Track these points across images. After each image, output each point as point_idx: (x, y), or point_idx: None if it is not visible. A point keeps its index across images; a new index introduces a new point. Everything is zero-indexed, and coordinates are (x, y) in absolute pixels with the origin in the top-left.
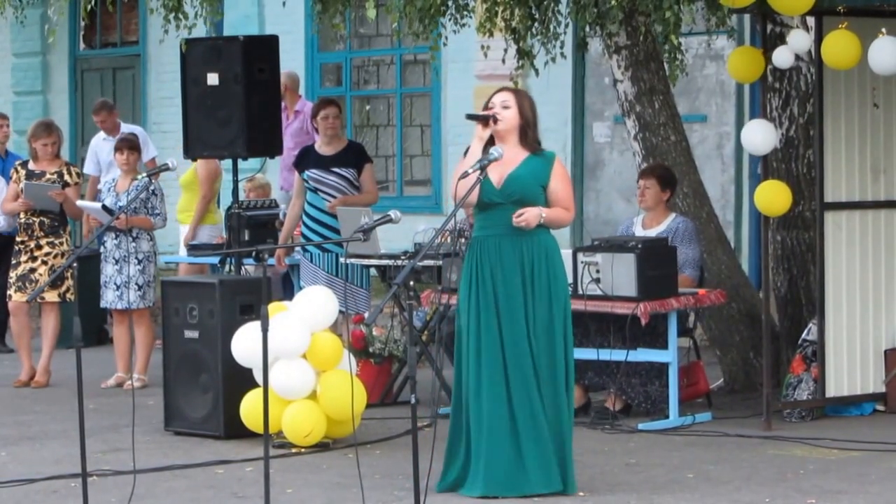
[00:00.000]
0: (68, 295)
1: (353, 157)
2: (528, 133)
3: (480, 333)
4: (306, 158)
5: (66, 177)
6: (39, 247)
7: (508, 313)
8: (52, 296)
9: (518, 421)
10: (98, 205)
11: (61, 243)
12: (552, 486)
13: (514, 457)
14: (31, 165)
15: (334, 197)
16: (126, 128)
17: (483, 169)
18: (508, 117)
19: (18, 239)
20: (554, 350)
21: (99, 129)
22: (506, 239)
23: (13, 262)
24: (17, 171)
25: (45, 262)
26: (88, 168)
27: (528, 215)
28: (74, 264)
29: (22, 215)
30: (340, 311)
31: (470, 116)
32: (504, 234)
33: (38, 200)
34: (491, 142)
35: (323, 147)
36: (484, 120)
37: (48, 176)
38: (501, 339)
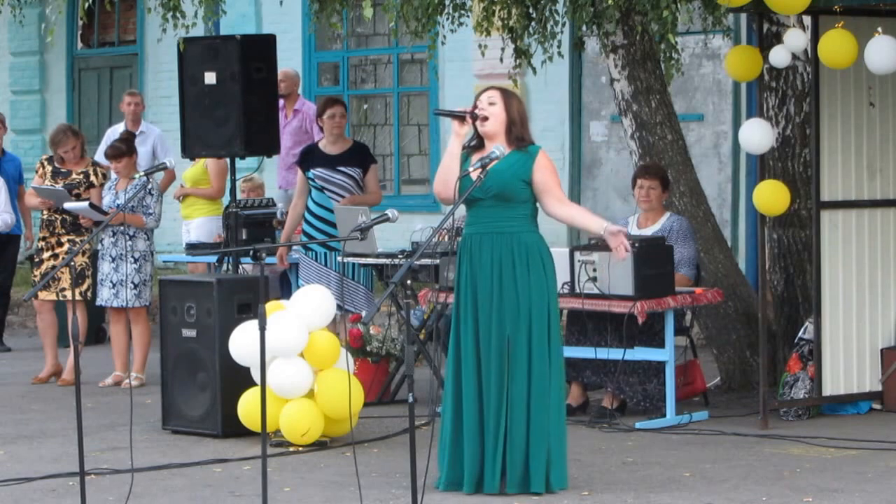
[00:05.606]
0: (89, 293)
1: (360, 156)
2: (513, 131)
3: (459, 331)
4: (310, 157)
5: (93, 177)
6: (60, 244)
7: (483, 311)
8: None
9: (486, 419)
10: (85, 204)
11: (83, 241)
12: (492, 487)
13: (479, 455)
14: (57, 163)
15: (341, 196)
16: (145, 126)
17: (485, 168)
18: (494, 114)
19: (40, 235)
20: (532, 348)
21: (99, 130)
22: (486, 236)
23: (36, 259)
24: (42, 167)
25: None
26: (100, 157)
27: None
28: (72, 263)
29: (45, 212)
30: (338, 309)
31: (438, 112)
32: (485, 231)
33: (57, 200)
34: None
35: (328, 146)
36: (459, 117)
37: (74, 176)
38: (477, 336)
